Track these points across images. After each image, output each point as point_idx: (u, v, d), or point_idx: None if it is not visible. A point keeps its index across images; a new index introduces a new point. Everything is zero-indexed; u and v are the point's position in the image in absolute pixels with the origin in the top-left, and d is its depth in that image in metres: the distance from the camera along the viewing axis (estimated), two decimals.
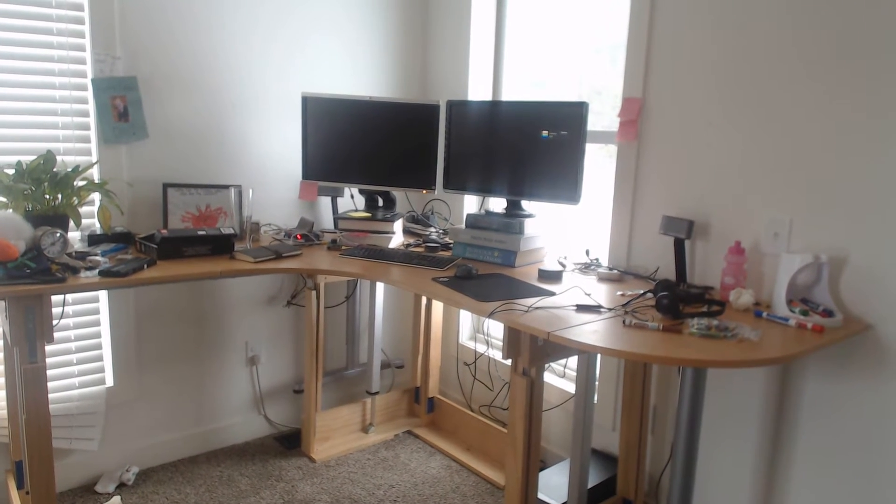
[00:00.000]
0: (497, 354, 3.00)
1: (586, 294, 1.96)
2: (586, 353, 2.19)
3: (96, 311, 2.44)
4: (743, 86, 1.99)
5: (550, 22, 2.77)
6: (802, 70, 1.85)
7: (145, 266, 2.03)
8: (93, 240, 2.23)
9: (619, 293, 1.99)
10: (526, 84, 2.92)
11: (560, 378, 2.77)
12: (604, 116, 2.56)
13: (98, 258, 2.04)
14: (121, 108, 2.34)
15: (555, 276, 2.14)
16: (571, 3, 2.67)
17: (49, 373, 2.34)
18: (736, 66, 2.00)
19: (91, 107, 2.33)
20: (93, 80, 2.30)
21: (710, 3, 2.05)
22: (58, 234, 1.97)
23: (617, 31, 2.50)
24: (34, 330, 1.84)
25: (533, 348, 1.75)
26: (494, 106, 2.43)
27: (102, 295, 2.44)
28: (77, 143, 2.33)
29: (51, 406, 2.31)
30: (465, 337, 3.16)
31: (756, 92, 1.96)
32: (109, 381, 2.50)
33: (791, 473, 1.97)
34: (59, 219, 2.07)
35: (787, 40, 1.88)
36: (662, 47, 2.19)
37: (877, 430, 1.77)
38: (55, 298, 2.28)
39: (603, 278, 2.17)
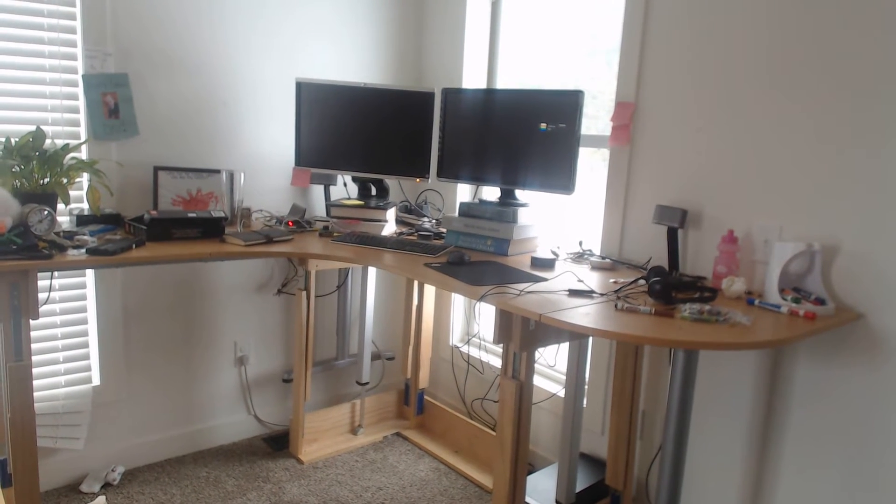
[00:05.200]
0: (488, 357, 2.99)
1: (579, 280, 1.96)
2: (577, 340, 2.18)
3: (83, 310, 2.41)
4: (736, 90, 1.99)
5: (545, 24, 2.77)
6: (790, 75, 1.86)
7: (133, 246, 2.01)
8: (81, 220, 2.21)
9: (611, 280, 1.98)
10: (521, 86, 2.91)
11: (549, 381, 2.76)
12: (598, 120, 2.55)
13: (86, 237, 2.02)
14: (111, 104, 2.32)
15: (547, 264, 2.13)
16: (567, 6, 2.67)
17: (35, 371, 2.31)
18: (729, 71, 2.00)
19: (81, 103, 2.31)
20: (83, 77, 2.27)
21: (703, 8, 2.05)
22: (45, 212, 1.95)
23: (612, 34, 2.50)
24: (19, 307, 1.82)
25: (524, 331, 1.73)
26: (489, 94, 2.43)
27: (90, 291, 2.41)
28: (67, 140, 2.29)
29: (36, 405, 2.28)
30: (456, 339, 3.14)
31: (748, 96, 1.96)
32: (96, 380, 2.47)
33: (781, 457, 1.96)
34: (47, 197, 2.05)
35: (774, 50, 1.89)
36: (656, 52, 2.19)
37: (867, 415, 1.77)
38: (42, 283, 2.26)
39: (595, 267, 2.17)
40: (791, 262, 1.78)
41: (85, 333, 2.43)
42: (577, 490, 2.26)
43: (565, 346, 2.51)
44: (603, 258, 2.24)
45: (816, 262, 1.79)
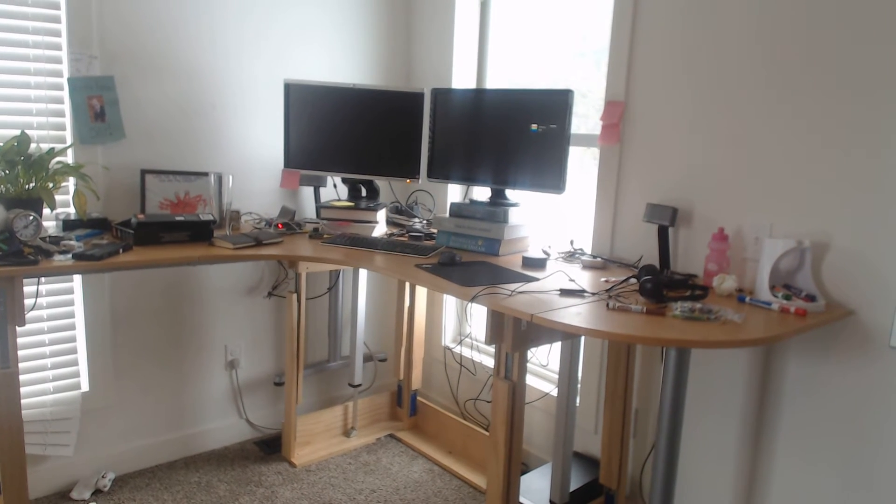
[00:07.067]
0: (481, 358, 2.98)
1: (570, 279, 1.95)
2: (569, 340, 2.18)
3: (71, 315, 2.38)
4: (726, 88, 1.99)
5: (534, 24, 2.76)
6: (780, 73, 1.86)
7: (121, 250, 1.99)
8: (67, 225, 2.18)
9: (602, 279, 1.98)
10: (510, 86, 2.90)
11: (542, 380, 2.76)
12: (588, 119, 2.55)
13: (72, 242, 2.00)
14: (97, 108, 2.29)
15: (539, 264, 2.12)
16: (555, 6, 2.66)
17: (23, 378, 2.29)
18: (719, 69, 2.00)
19: (67, 107, 2.28)
20: (69, 80, 2.24)
21: (692, 7, 2.05)
22: (31, 217, 1.93)
23: (600, 34, 2.49)
24: (5, 313, 1.79)
25: (516, 332, 1.73)
26: (479, 94, 2.42)
27: (78, 297, 2.39)
28: (53, 144, 2.26)
29: (25, 412, 2.26)
30: (448, 339, 3.14)
31: (737, 94, 1.96)
32: (85, 387, 2.44)
33: (774, 453, 1.97)
34: (32, 202, 2.03)
35: (765, 49, 1.89)
36: (645, 51, 2.19)
37: (859, 411, 1.78)
38: (28, 290, 2.23)
39: (587, 266, 2.16)
40: (781, 258, 1.78)
41: (73, 339, 2.40)
42: (571, 489, 2.26)
43: (558, 346, 2.51)
44: (594, 257, 2.24)
45: (807, 259, 1.80)
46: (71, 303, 2.38)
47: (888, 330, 1.71)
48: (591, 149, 2.54)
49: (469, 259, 2.18)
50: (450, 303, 3.11)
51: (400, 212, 2.91)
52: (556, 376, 2.51)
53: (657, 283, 1.70)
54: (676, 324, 1.54)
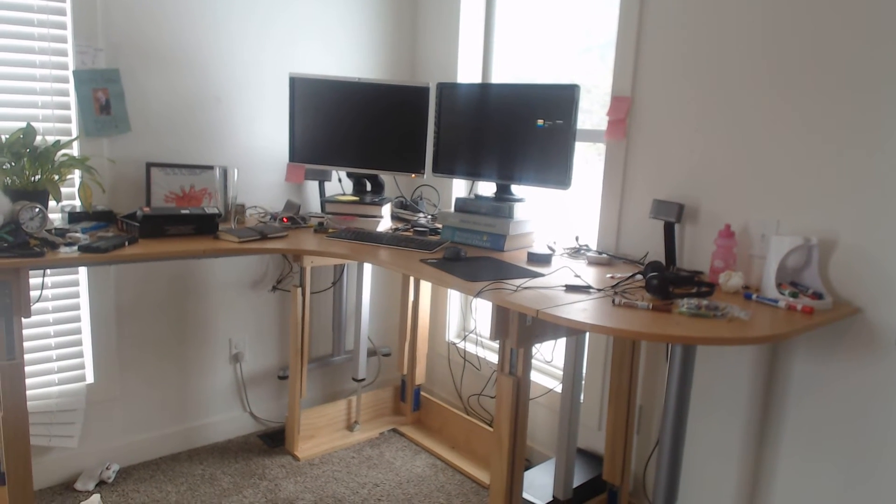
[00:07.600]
0: (485, 353, 2.98)
1: (576, 275, 1.95)
2: (574, 336, 2.18)
3: (76, 307, 2.39)
4: (733, 84, 1.98)
5: (540, 19, 2.75)
6: (787, 68, 1.85)
7: (126, 243, 1.99)
8: (73, 217, 2.18)
9: (608, 275, 1.97)
10: (515, 81, 2.89)
11: (546, 376, 2.75)
12: (593, 115, 2.54)
13: (78, 235, 2.00)
14: (103, 100, 2.29)
15: (544, 260, 2.12)
16: (561, 1, 2.65)
17: (28, 369, 2.29)
18: (726, 65, 1.99)
19: (72, 99, 2.28)
20: (74, 73, 2.24)
21: (699, 2, 2.03)
22: (37, 209, 1.93)
23: (606, 29, 2.48)
24: (11, 305, 1.80)
25: (521, 328, 1.72)
26: (485, 89, 2.41)
27: (83, 289, 2.39)
28: (58, 136, 2.27)
29: (30, 403, 2.26)
30: (452, 334, 3.13)
31: (745, 89, 1.95)
32: (90, 378, 2.45)
33: (779, 451, 1.96)
34: (38, 194, 2.03)
35: (770, 45, 1.88)
36: (652, 46, 2.17)
37: (865, 409, 1.77)
38: (34, 282, 2.24)
39: (592, 262, 2.16)
40: (788, 256, 1.77)
41: (78, 331, 2.41)
42: (575, 485, 2.26)
43: (562, 342, 2.51)
44: (599, 253, 2.23)
45: (814, 256, 1.79)
46: (76, 295, 2.39)
47: (895, 328, 1.70)
48: (596, 144, 2.53)
49: (474, 254, 2.18)
50: (454, 298, 3.11)
51: (405, 206, 2.90)
52: (561, 372, 2.51)
53: (663, 279, 1.69)
54: (682, 320, 1.53)
